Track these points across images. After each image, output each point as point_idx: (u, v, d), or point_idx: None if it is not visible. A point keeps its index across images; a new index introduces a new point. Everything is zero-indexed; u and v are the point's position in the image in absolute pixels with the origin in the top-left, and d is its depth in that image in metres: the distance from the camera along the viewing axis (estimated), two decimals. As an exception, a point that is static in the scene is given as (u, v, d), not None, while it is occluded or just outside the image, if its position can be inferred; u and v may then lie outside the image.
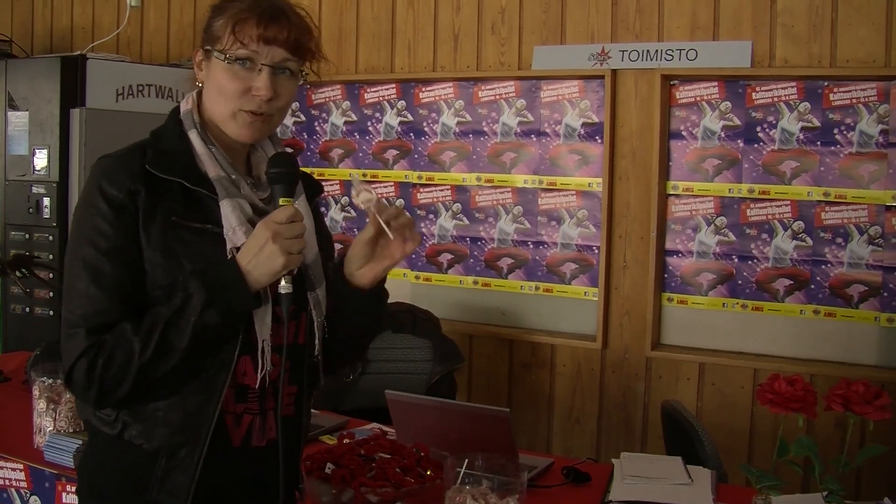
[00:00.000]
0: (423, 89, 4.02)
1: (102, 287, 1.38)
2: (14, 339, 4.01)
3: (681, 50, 3.48)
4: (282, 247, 1.35)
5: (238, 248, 1.40)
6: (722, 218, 3.48)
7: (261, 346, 1.43)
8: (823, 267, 3.33)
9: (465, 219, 3.96)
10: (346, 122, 4.21)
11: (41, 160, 3.99)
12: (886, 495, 1.88)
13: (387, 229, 1.45)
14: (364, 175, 4.12)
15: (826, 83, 3.28)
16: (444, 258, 4.02)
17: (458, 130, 3.95)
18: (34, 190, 4.01)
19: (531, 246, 3.83)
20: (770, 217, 3.41)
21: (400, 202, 4.06)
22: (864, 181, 3.25)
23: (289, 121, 4.29)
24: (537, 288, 3.82)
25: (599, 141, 3.65)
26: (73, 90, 3.96)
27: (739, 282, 3.46)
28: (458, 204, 3.97)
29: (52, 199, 3.95)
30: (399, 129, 4.08)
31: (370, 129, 4.15)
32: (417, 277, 4.07)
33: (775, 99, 3.37)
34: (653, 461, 2.30)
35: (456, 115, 3.95)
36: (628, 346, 3.64)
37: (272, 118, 1.48)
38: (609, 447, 3.64)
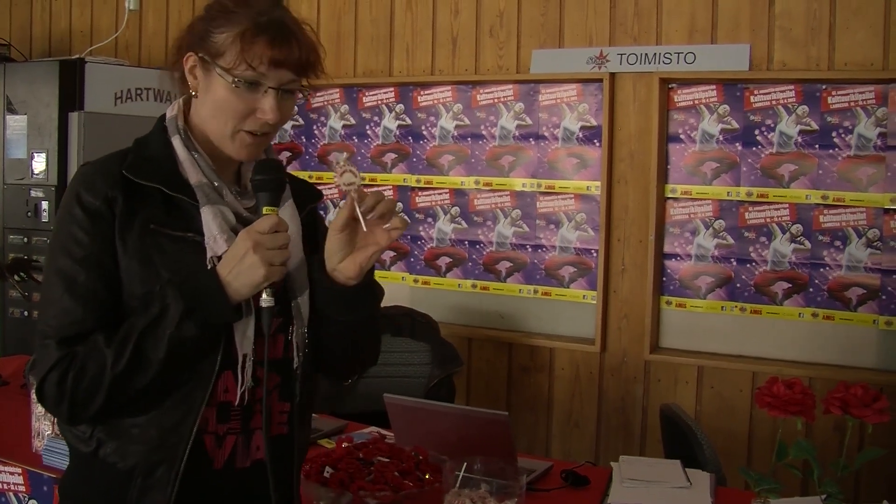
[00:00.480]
0: (422, 93, 4.02)
1: (76, 296, 1.33)
2: (12, 343, 4.01)
3: (679, 53, 3.49)
4: (263, 257, 1.29)
5: (219, 258, 1.34)
6: (720, 221, 3.49)
7: (241, 360, 1.36)
8: (822, 270, 3.33)
9: (463, 222, 3.96)
10: (344, 126, 4.21)
11: (40, 164, 3.99)
12: (885, 498, 1.88)
13: (361, 220, 1.35)
14: (362, 179, 4.11)
15: (824, 86, 3.29)
16: (443, 262, 4.02)
17: (456, 134, 3.95)
18: (33, 194, 4.01)
19: (530, 249, 3.83)
20: (768, 220, 3.41)
21: (399, 206, 4.06)
22: (863, 184, 3.26)
23: (287, 125, 4.29)
24: (536, 291, 3.82)
25: (598, 144, 3.65)
26: (71, 94, 3.97)
27: (738, 285, 3.46)
28: (457, 207, 3.97)
29: (51, 202, 3.96)
30: (397, 133, 4.08)
31: (368, 132, 4.15)
32: (416, 281, 4.07)
33: (773, 102, 3.37)
34: (651, 464, 2.30)
35: (454, 119, 3.95)
36: (627, 349, 3.64)
37: (270, 136, 1.44)
38: (608, 450, 3.64)
